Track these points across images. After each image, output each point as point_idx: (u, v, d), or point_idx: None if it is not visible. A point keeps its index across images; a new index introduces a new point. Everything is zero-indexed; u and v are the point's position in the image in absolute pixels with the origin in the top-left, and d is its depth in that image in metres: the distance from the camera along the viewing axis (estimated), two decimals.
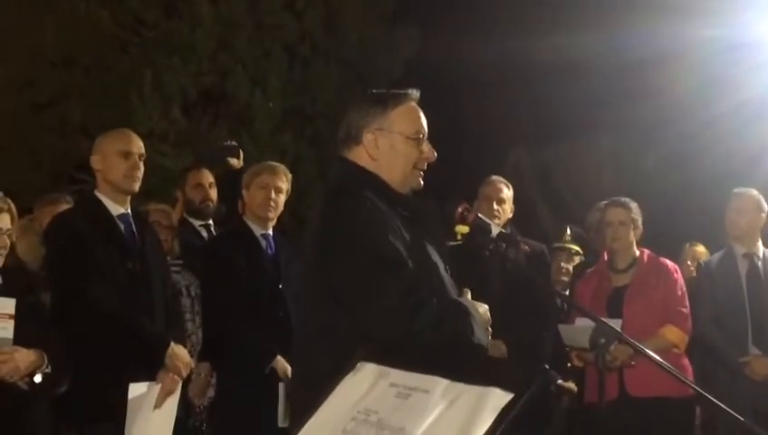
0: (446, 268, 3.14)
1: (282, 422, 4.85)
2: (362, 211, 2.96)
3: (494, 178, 5.91)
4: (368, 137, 3.14)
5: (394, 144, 3.14)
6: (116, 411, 4.25)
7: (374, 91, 3.31)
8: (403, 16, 14.65)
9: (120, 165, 4.46)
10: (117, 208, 4.49)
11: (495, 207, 5.67)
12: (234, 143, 6.97)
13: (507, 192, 5.83)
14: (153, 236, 4.80)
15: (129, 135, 4.60)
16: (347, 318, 2.91)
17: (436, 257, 3.11)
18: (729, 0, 11.89)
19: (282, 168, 5.41)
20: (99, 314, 4.27)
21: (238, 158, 6.67)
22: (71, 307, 4.31)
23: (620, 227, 5.44)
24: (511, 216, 5.83)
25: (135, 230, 4.55)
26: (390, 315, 2.83)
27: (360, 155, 3.16)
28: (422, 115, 3.23)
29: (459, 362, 2.87)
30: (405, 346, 2.76)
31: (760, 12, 11.65)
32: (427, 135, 3.21)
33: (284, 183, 5.30)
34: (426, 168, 3.25)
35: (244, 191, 5.39)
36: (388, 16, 14.58)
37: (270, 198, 5.26)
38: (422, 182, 3.24)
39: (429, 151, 3.21)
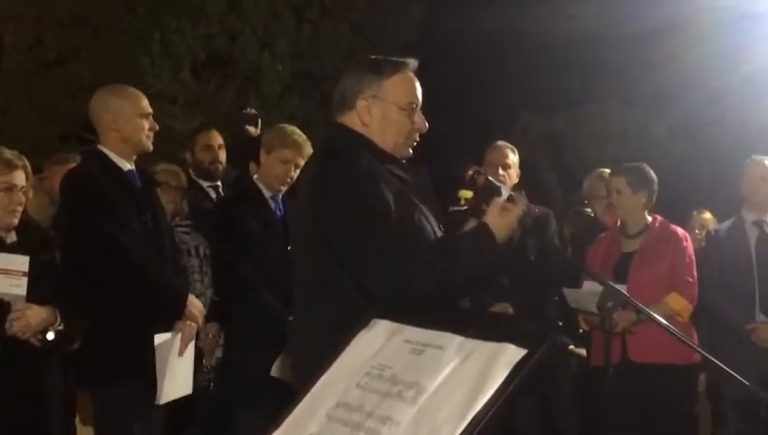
0: (440, 228, 3.16)
1: (274, 372, 4.89)
2: (357, 168, 2.98)
3: (500, 143, 5.88)
4: (361, 103, 3.14)
5: (387, 113, 3.14)
6: (144, 364, 4.29)
7: (372, 57, 3.30)
8: None
9: (143, 126, 4.46)
10: (125, 165, 4.48)
11: (501, 172, 5.65)
12: (253, 111, 6.98)
13: (513, 157, 5.81)
14: (156, 193, 4.82)
15: (142, 96, 4.59)
16: (345, 273, 2.93)
17: (431, 218, 3.14)
18: None
19: (308, 144, 5.28)
20: (129, 262, 4.26)
21: (256, 126, 6.69)
22: (99, 257, 4.26)
23: (618, 195, 5.45)
24: (517, 181, 5.82)
25: (141, 186, 4.55)
26: (381, 263, 2.84)
27: (353, 120, 3.16)
28: (418, 86, 3.22)
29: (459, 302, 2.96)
30: (397, 296, 2.78)
31: None
32: (420, 105, 3.21)
33: (304, 159, 5.08)
34: (418, 138, 3.25)
35: (262, 153, 5.34)
36: None
37: (289, 175, 5.23)
38: (411, 152, 3.24)
39: (421, 122, 3.21)
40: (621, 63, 14.51)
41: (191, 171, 6.37)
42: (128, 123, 4.45)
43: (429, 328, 2.04)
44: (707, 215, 7.18)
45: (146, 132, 4.48)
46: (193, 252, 5.62)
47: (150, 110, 4.55)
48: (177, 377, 4.48)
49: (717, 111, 14.28)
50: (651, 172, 5.49)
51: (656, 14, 13.70)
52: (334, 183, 2.97)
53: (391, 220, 2.91)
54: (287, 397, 2.30)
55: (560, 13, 13.48)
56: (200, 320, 4.59)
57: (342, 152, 3.06)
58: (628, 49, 14.34)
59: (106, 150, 4.47)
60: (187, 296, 4.50)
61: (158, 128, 4.57)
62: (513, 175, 5.77)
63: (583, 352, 6.01)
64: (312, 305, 3.05)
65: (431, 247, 2.98)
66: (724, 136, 13.57)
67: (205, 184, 6.35)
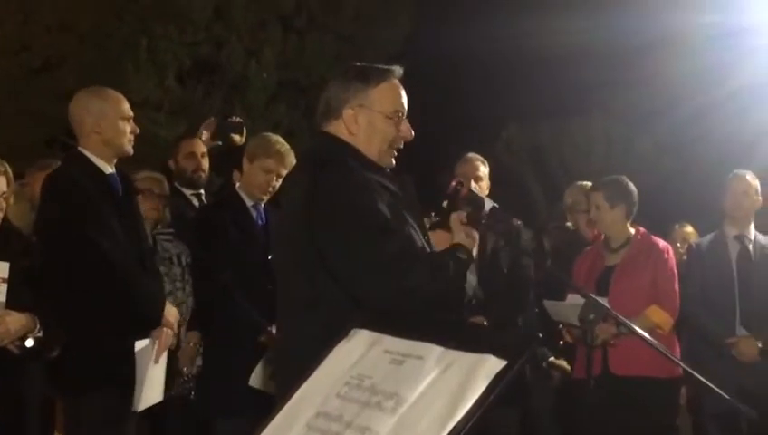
0: (426, 240, 3.16)
1: (253, 382, 4.87)
2: (348, 178, 2.98)
3: (471, 155, 5.89)
4: (347, 112, 3.14)
5: (373, 121, 3.14)
6: (121, 372, 4.27)
7: (358, 64, 3.29)
8: None
9: (125, 129, 4.42)
10: (106, 168, 4.43)
11: (473, 184, 5.66)
12: (239, 120, 6.96)
13: (484, 169, 5.82)
14: (135, 198, 4.79)
15: (123, 98, 4.55)
16: (337, 286, 2.92)
17: (418, 230, 3.14)
18: None
19: (291, 154, 5.28)
20: (108, 266, 4.21)
21: (241, 135, 6.68)
22: (78, 259, 4.22)
23: (597, 210, 5.47)
24: (487, 192, 5.81)
25: (121, 190, 4.51)
26: (383, 274, 2.85)
27: (339, 129, 3.16)
28: (403, 93, 3.22)
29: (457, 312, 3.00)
30: (399, 306, 2.80)
31: None
32: (405, 113, 3.22)
33: (287, 168, 5.10)
34: (401, 146, 3.25)
35: (245, 161, 5.34)
36: None
37: (271, 184, 5.25)
38: (394, 162, 3.24)
39: (407, 130, 3.22)
40: (607, 78, 14.56)
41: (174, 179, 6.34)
42: (109, 126, 4.40)
43: (409, 338, 2.03)
44: (689, 228, 7.20)
45: (127, 136, 4.44)
46: (175, 260, 5.60)
47: (131, 113, 4.51)
48: (153, 384, 4.49)
49: (703, 127, 14.34)
50: (630, 184, 5.49)
51: (642, 30, 13.77)
52: (328, 196, 2.96)
53: (387, 232, 2.91)
54: (266, 406, 2.29)
55: (546, 27, 13.53)
56: (175, 327, 4.58)
57: (330, 162, 3.05)
58: (613, 63, 14.39)
59: (87, 153, 4.42)
60: (164, 304, 4.48)
61: (138, 131, 4.52)
62: (484, 187, 5.77)
63: (565, 363, 6.01)
64: (303, 317, 3.03)
65: (428, 260, 2.99)
66: (709, 151, 13.61)
67: (187, 192, 6.32)
